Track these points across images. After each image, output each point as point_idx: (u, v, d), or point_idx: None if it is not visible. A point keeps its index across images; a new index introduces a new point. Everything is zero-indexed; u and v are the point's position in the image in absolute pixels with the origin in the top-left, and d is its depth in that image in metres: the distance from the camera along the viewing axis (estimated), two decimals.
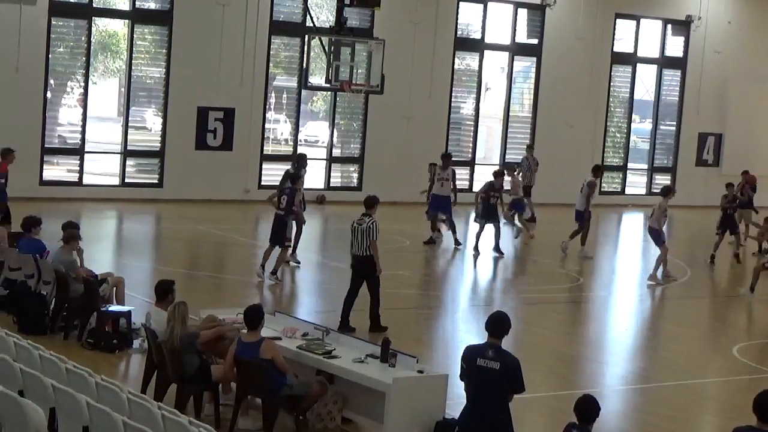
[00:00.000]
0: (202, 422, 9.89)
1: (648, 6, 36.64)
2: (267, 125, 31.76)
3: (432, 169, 26.48)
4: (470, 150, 34.51)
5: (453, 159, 32.46)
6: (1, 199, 21.02)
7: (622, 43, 36.65)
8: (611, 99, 36.77)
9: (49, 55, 28.48)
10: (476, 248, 25.07)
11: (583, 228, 25.48)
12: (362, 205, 17.62)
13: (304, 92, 32.17)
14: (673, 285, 23.28)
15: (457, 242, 25.54)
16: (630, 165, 37.80)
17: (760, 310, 22.86)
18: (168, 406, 10.27)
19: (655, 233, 23.70)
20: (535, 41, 35.15)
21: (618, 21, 36.26)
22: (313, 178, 31.42)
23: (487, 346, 10.47)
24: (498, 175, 26.04)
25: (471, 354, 10.53)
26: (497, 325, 10.56)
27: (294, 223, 21.32)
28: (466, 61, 34.78)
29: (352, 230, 17.29)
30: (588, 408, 9.75)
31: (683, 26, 37.51)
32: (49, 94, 28.79)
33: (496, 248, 25.07)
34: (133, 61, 29.79)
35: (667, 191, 24.94)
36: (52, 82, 29.05)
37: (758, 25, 38.20)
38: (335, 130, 33.07)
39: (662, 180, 38.25)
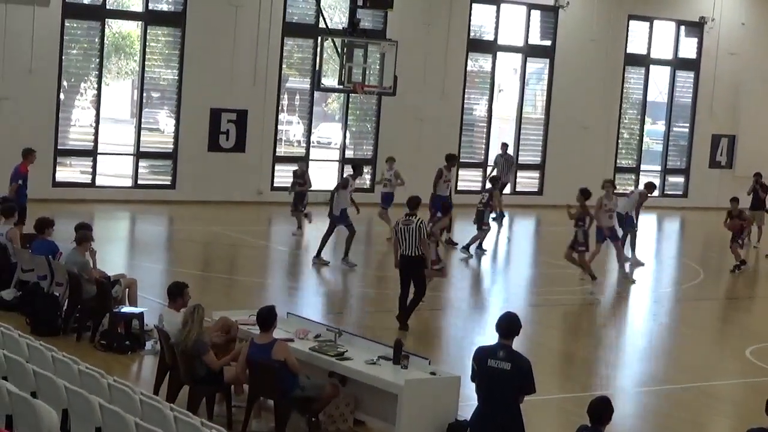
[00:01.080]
0: (214, 424, 9.90)
1: (661, 7, 36.57)
2: (280, 127, 31.77)
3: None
4: (483, 152, 34.47)
5: (462, 161, 32.71)
6: (20, 200, 21.02)
7: (635, 45, 36.58)
8: (624, 100, 36.68)
9: (63, 57, 28.52)
10: (481, 247, 25.26)
11: (629, 234, 25.18)
12: (406, 205, 17.69)
13: (316, 94, 32.17)
14: (687, 287, 23.20)
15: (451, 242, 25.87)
16: (643, 167, 37.69)
17: None
18: (180, 408, 10.28)
19: (608, 231, 23.44)
20: (548, 43, 35.12)
21: (631, 22, 36.19)
22: (326, 179, 31.45)
23: (498, 347, 10.46)
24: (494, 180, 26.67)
25: (482, 355, 10.52)
26: (508, 325, 10.55)
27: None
28: (479, 62, 34.76)
29: (398, 231, 17.38)
30: (601, 410, 9.72)
31: (696, 28, 37.43)
32: (62, 96, 28.84)
33: (479, 247, 25.45)
34: (146, 63, 29.83)
35: (606, 184, 24.32)
36: (65, 83, 29.10)
37: None
38: (348, 132, 33.08)
39: (675, 182, 38.20)
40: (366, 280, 22.33)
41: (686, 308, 22.20)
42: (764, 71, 37.97)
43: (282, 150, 31.88)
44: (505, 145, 32.15)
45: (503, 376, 10.33)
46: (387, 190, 27.03)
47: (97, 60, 29.18)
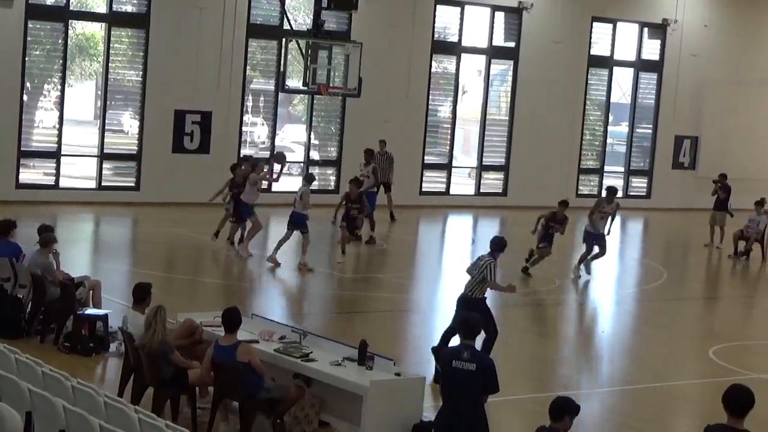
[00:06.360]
0: (179, 426, 9.89)
1: (624, 9, 36.76)
2: (244, 128, 31.72)
3: None
4: (447, 153, 34.54)
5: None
6: None
7: (599, 47, 36.73)
8: (588, 102, 36.84)
9: (26, 58, 28.38)
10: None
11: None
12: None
13: (281, 95, 32.12)
14: (650, 287, 23.29)
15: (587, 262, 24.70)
16: (606, 168, 37.88)
17: (736, 312, 23.00)
18: (145, 410, 10.26)
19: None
20: (512, 44, 35.21)
21: (595, 24, 36.34)
22: (291, 181, 31.42)
23: (461, 348, 10.51)
24: (562, 205, 24.24)
25: (446, 356, 10.57)
26: (469, 326, 10.61)
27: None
28: (444, 64, 34.82)
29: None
30: (562, 409, 9.76)
31: (659, 29, 37.64)
32: (25, 97, 28.69)
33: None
34: (110, 64, 29.70)
35: (310, 179, 23.89)
36: (28, 85, 28.96)
37: (734, 28, 38.35)
38: (312, 133, 33.07)
39: (639, 183, 38.38)
40: (331, 282, 22.34)
41: (649, 308, 22.32)
42: (726, 72, 38.22)
43: (246, 151, 31.80)
44: (383, 143, 30.13)
45: (468, 376, 10.38)
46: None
47: (61, 61, 29.04)
